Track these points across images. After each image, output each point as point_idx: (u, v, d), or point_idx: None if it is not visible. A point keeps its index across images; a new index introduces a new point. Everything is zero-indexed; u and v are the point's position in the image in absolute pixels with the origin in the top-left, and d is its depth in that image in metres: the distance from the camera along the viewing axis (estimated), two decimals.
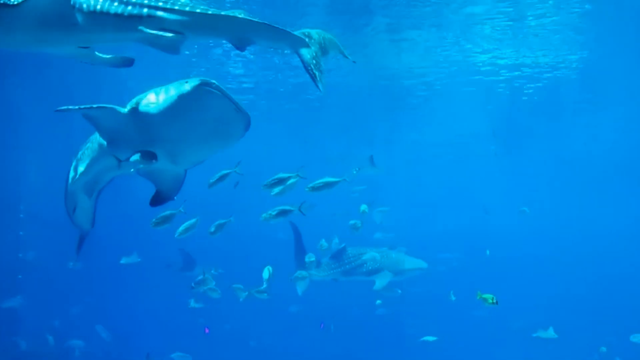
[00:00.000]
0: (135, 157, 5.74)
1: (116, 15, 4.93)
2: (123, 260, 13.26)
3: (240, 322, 19.40)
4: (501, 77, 16.89)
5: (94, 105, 5.68)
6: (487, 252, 18.82)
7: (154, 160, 5.75)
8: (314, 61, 5.24)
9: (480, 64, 15.85)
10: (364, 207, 11.40)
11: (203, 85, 5.38)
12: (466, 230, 26.19)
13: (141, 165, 5.80)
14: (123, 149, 5.92)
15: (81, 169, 6.68)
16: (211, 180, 8.07)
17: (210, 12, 4.96)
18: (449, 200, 29.09)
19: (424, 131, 22.75)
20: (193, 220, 8.75)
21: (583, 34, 13.60)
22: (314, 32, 5.45)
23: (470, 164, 26.61)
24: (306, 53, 5.25)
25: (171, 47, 5.15)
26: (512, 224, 24.59)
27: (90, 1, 4.93)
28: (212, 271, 11.13)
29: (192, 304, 14.44)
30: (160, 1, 4.98)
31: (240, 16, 4.99)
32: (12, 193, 20.49)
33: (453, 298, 13.49)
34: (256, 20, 5.03)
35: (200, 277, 10.90)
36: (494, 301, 8.27)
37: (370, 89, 18.17)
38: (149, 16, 4.94)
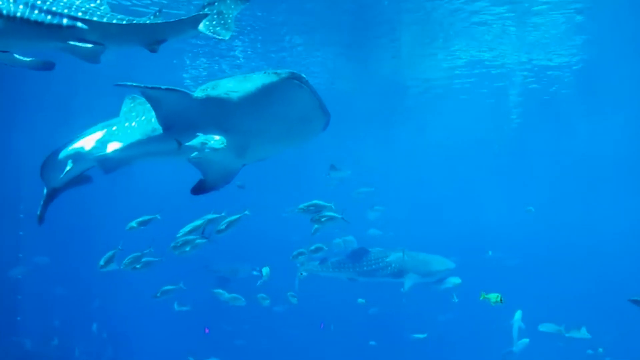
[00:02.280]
0: (199, 143, 5.32)
1: (37, 23, 4.93)
2: (102, 263, 13.21)
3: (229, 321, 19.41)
4: (501, 77, 16.91)
5: (162, 87, 5.40)
6: (490, 252, 18.82)
7: (218, 150, 5.35)
8: (215, 21, 5.20)
9: (481, 64, 15.88)
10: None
11: (292, 78, 5.06)
12: (465, 230, 26.19)
13: (198, 154, 5.42)
14: (182, 136, 5.53)
15: (113, 144, 6.41)
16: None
17: (124, 23, 5.01)
18: (451, 200, 29.13)
19: (425, 132, 22.78)
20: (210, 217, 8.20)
21: (583, 34, 13.62)
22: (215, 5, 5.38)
23: (471, 163, 26.62)
24: (207, 21, 5.20)
25: (91, 57, 5.17)
26: (509, 225, 24.62)
27: (10, 8, 4.93)
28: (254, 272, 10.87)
29: (176, 307, 14.43)
30: (80, 12, 4.99)
31: (148, 22, 5.07)
32: (12, 193, 20.47)
33: (455, 300, 13.47)
34: (160, 21, 5.11)
35: (170, 287, 10.74)
36: (499, 299, 8.21)
37: (371, 94, 18.23)
38: (69, 26, 4.95)
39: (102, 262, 8.90)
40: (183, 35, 5.37)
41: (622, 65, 15.59)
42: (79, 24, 4.97)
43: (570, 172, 27.31)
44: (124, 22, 5.04)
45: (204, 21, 5.17)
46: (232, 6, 5.35)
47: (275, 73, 5.09)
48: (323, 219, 8.37)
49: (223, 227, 8.18)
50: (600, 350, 15.78)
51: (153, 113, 5.91)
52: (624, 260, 23.09)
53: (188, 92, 5.41)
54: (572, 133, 22.88)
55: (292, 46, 14.30)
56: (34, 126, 19.57)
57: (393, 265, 13.34)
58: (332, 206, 8.43)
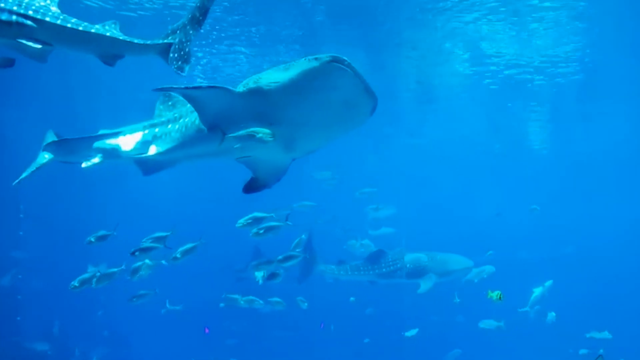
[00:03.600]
0: (246, 136, 5.18)
1: None
2: (90, 269, 13.31)
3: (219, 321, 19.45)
4: (501, 77, 16.91)
5: (203, 85, 5.28)
6: (489, 252, 18.79)
7: (267, 143, 5.22)
8: (177, 54, 5.26)
9: (481, 64, 15.87)
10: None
11: (334, 61, 4.86)
12: (466, 230, 26.18)
13: (247, 151, 5.34)
14: (227, 134, 5.41)
15: (155, 146, 6.28)
16: None
17: (80, 28, 4.96)
18: (454, 200, 29.16)
19: (425, 132, 22.76)
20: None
21: (583, 33, 13.62)
22: (180, 21, 5.44)
23: (472, 164, 26.61)
24: (168, 53, 5.29)
25: (39, 56, 5.13)
26: (508, 225, 24.60)
27: None
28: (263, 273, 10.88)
29: (167, 305, 14.49)
30: (31, 10, 4.92)
31: (107, 34, 5.04)
32: (12, 193, 20.45)
33: (457, 300, 13.47)
34: (120, 37, 5.10)
35: (144, 292, 10.88)
36: (500, 297, 8.56)
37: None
38: (18, 23, 4.88)
39: (76, 284, 9.06)
40: (142, 56, 5.35)
41: (622, 65, 15.58)
42: (29, 22, 4.90)
43: (570, 173, 27.32)
44: (80, 28, 4.98)
45: (169, 53, 5.24)
46: (191, 33, 5.37)
47: (316, 58, 4.92)
48: (261, 231, 8.43)
49: (178, 255, 8.56)
50: (601, 351, 15.75)
51: (195, 115, 5.81)
52: (621, 263, 23.15)
53: (230, 88, 5.28)
54: (574, 133, 22.88)
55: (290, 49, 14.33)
56: (33, 126, 19.55)
57: (411, 266, 13.33)
58: (273, 215, 8.55)
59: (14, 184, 7.29)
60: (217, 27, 13.07)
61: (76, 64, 13.55)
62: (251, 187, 6.31)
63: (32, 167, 7.35)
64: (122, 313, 19.41)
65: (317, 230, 14.89)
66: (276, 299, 12.35)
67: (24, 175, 7.28)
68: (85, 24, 5.05)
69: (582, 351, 16.20)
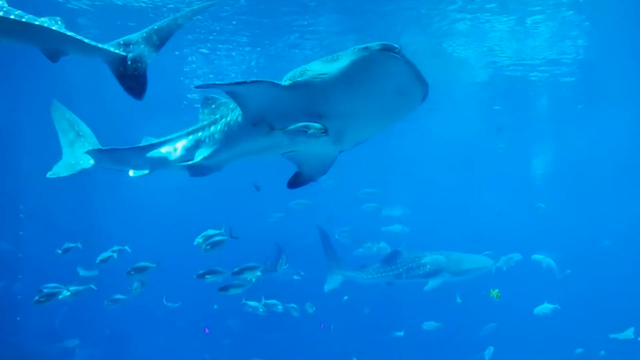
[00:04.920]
0: (298, 131, 4.99)
1: None
2: (81, 273, 13.39)
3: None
4: (502, 76, 16.94)
5: (248, 80, 5.02)
6: (486, 253, 18.78)
7: (321, 136, 5.01)
8: (132, 67, 5.06)
9: (482, 64, 15.90)
10: None
11: (385, 49, 4.66)
12: (466, 230, 26.20)
13: (295, 146, 5.20)
14: (273, 129, 5.25)
15: (202, 151, 6.15)
16: None
17: (24, 20, 4.77)
18: (455, 200, 29.20)
19: (425, 134, 22.79)
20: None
21: (584, 33, 13.64)
22: (136, 35, 5.17)
23: (474, 163, 26.63)
24: (118, 65, 5.09)
25: (52, 55, 4.98)
26: (507, 224, 24.60)
27: None
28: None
29: (164, 301, 14.60)
30: None
31: (52, 27, 4.84)
32: (12, 193, 20.46)
33: (459, 300, 13.47)
34: (68, 33, 4.90)
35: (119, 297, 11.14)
36: (498, 295, 8.93)
37: None
38: None
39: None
40: (87, 58, 5.12)
41: (623, 65, 15.60)
42: None
43: (571, 172, 27.33)
44: (23, 20, 4.78)
45: (120, 67, 5.03)
46: (147, 54, 5.15)
47: (366, 47, 4.73)
48: (208, 247, 8.76)
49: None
50: (602, 352, 15.76)
51: (238, 112, 5.69)
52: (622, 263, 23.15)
53: (276, 82, 5.09)
54: (575, 133, 22.89)
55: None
56: (33, 126, 19.56)
57: (429, 266, 13.40)
58: (222, 231, 8.82)
59: (48, 175, 7.11)
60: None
61: (76, 65, 13.56)
62: (296, 181, 6.13)
63: (74, 169, 7.16)
64: (122, 313, 19.47)
65: (314, 231, 14.94)
66: (273, 301, 12.65)
67: (63, 174, 7.11)
68: (30, 16, 4.85)
69: (578, 350, 16.22)
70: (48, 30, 4.83)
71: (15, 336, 17.04)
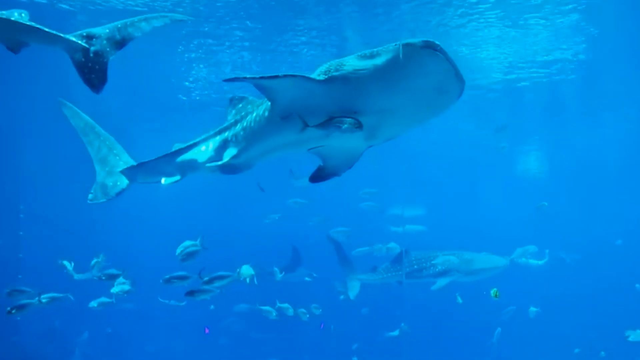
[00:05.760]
0: (333, 126, 4.92)
1: None
2: (76, 277, 13.47)
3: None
4: (502, 76, 16.95)
5: (280, 74, 4.91)
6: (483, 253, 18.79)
7: (356, 131, 4.95)
8: (93, 60, 4.97)
9: (482, 63, 15.91)
10: None
11: (427, 47, 4.59)
12: (466, 230, 26.20)
13: (327, 140, 5.13)
14: (305, 124, 5.14)
15: (230, 150, 6.12)
16: None
17: None
18: (457, 199, 29.24)
19: (425, 133, 22.77)
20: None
21: (583, 32, 13.65)
22: (99, 29, 5.10)
23: (475, 163, 26.64)
24: (80, 56, 4.99)
25: (13, 46, 4.89)
26: (507, 224, 24.61)
27: None
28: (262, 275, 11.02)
29: (165, 300, 14.69)
30: None
31: (12, 18, 4.74)
32: (12, 193, 20.48)
33: (460, 300, 13.45)
34: (30, 23, 4.81)
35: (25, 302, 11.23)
36: (496, 295, 9.24)
37: None
38: None
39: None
40: (50, 47, 5.00)
41: (623, 65, 15.61)
42: None
43: (570, 172, 27.35)
44: None
45: (82, 57, 4.97)
46: (109, 49, 5.07)
47: (407, 44, 4.65)
48: (182, 258, 9.21)
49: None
50: (603, 353, 15.75)
51: (264, 107, 5.63)
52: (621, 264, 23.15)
53: (309, 76, 4.98)
54: (576, 133, 22.90)
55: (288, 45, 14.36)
56: (33, 126, 19.58)
57: (439, 266, 13.40)
58: (198, 242, 9.28)
59: (89, 201, 7.22)
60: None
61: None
62: (319, 176, 6.03)
63: (113, 192, 7.20)
64: (123, 313, 19.50)
65: (315, 231, 14.94)
66: (267, 307, 12.91)
67: (101, 200, 7.16)
68: None
69: (576, 350, 16.22)
70: (8, 21, 4.73)
71: (15, 336, 17.05)
